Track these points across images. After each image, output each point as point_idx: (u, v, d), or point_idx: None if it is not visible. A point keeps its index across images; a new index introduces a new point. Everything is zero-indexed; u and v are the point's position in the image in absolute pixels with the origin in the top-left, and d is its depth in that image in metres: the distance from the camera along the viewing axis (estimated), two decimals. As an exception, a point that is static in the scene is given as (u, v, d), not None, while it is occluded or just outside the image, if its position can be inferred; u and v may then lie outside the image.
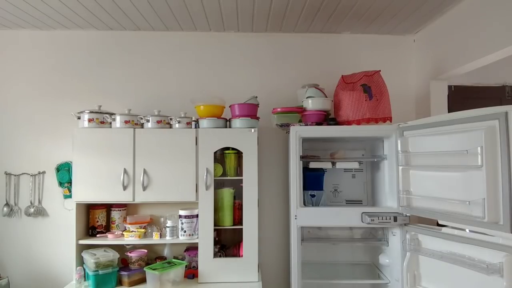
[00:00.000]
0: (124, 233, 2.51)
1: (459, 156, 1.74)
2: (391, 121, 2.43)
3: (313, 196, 2.54)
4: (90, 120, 2.44)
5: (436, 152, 1.90)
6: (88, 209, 2.59)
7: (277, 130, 2.63)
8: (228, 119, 2.56)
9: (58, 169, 2.76)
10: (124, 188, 2.41)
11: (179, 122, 2.49)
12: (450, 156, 1.81)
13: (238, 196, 2.55)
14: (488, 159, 1.59)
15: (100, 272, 2.31)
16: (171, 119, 2.50)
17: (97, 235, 2.55)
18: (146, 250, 2.53)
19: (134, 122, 2.48)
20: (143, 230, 2.53)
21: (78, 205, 2.46)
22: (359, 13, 2.55)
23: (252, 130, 2.46)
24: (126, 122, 2.45)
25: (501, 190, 1.55)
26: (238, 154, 2.53)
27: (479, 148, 1.62)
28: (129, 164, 2.42)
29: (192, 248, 2.59)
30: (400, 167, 2.19)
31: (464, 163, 1.71)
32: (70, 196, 2.68)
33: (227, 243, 2.64)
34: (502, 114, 1.55)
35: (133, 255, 2.46)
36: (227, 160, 2.55)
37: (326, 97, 2.54)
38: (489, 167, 1.59)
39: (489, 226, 1.60)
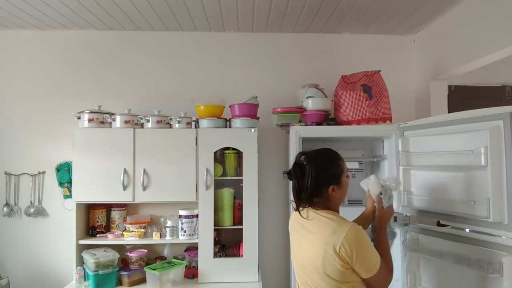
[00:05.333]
0: (124, 233, 2.51)
1: (463, 156, 1.73)
2: (391, 121, 2.43)
3: (313, 196, 2.54)
4: (90, 120, 2.44)
5: (439, 152, 1.90)
6: (88, 209, 2.59)
7: (277, 130, 2.63)
8: (228, 119, 2.56)
9: (58, 169, 2.76)
10: (124, 188, 2.41)
11: (179, 122, 2.49)
12: (453, 156, 1.80)
13: (238, 196, 2.54)
14: (493, 159, 1.59)
15: (100, 272, 2.31)
16: (171, 119, 2.50)
17: (97, 235, 2.55)
18: (146, 250, 2.53)
19: (134, 122, 2.47)
20: (143, 230, 2.53)
21: (78, 205, 2.45)
22: (359, 13, 2.55)
23: (252, 130, 2.46)
24: (126, 122, 2.45)
25: (506, 190, 1.55)
26: (238, 154, 2.53)
27: (483, 148, 1.62)
28: (129, 164, 2.42)
29: (192, 248, 2.59)
30: (401, 167, 2.19)
31: (468, 163, 1.71)
32: (70, 196, 2.67)
33: (227, 243, 2.64)
34: (506, 115, 1.55)
35: (133, 255, 2.46)
36: (227, 160, 2.55)
37: (326, 97, 2.54)
38: (494, 167, 1.59)
39: (493, 226, 1.60)
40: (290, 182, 2.31)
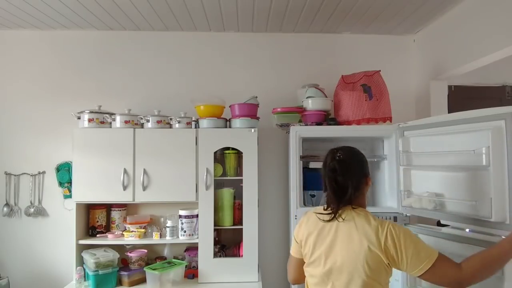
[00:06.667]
0: (124, 233, 2.51)
1: (464, 156, 1.73)
2: (391, 121, 2.43)
3: (313, 196, 2.54)
4: (90, 120, 2.44)
5: (440, 152, 1.90)
6: (88, 209, 2.59)
7: (277, 130, 2.63)
8: (228, 119, 2.56)
9: (58, 169, 2.76)
10: (124, 188, 2.41)
11: (179, 122, 2.49)
12: (454, 156, 1.80)
13: (238, 196, 2.54)
14: (495, 159, 1.58)
15: (100, 272, 2.31)
16: (171, 119, 2.50)
17: (97, 235, 2.55)
18: (146, 250, 2.53)
19: (134, 122, 2.47)
20: (143, 230, 2.53)
21: (78, 205, 2.45)
22: (359, 13, 2.55)
23: (252, 130, 2.46)
24: (126, 122, 2.45)
25: (508, 190, 1.54)
26: (238, 154, 2.53)
27: (484, 149, 1.61)
28: (129, 164, 2.42)
29: (192, 248, 2.59)
30: (402, 167, 2.19)
31: (470, 163, 1.71)
32: (70, 196, 2.68)
33: (227, 243, 2.64)
34: (508, 115, 1.54)
35: (133, 255, 2.46)
36: (227, 160, 2.55)
37: (326, 97, 2.54)
38: (495, 167, 1.58)
39: (495, 226, 1.60)
40: (291, 182, 2.34)
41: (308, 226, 1.47)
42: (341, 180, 1.38)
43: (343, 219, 1.37)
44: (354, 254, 1.30)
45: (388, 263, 1.28)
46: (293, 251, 1.56)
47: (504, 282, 1.51)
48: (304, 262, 1.48)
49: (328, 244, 1.37)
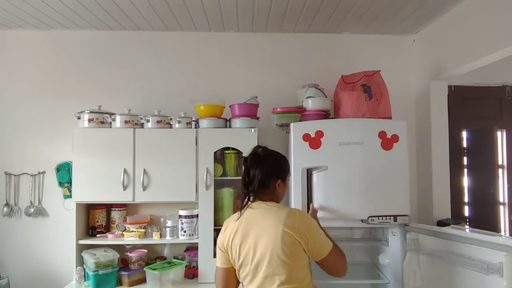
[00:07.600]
0: (124, 233, 2.51)
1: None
2: (391, 121, 2.43)
3: (313, 196, 2.54)
4: (90, 120, 2.44)
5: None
6: (88, 209, 2.59)
7: (277, 130, 2.63)
8: (228, 119, 2.56)
9: (58, 169, 2.76)
10: (124, 188, 2.41)
11: (179, 122, 2.49)
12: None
13: (238, 196, 2.54)
14: None
15: (100, 272, 2.31)
16: (171, 119, 2.50)
17: (97, 235, 2.55)
18: (146, 250, 2.53)
19: (134, 122, 2.48)
20: (143, 230, 2.53)
21: (78, 205, 2.46)
22: (359, 13, 2.55)
23: (252, 130, 2.46)
24: (126, 122, 2.45)
25: None
26: (238, 154, 2.53)
27: None
28: (129, 164, 2.42)
29: (192, 248, 2.59)
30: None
31: None
32: (70, 196, 2.67)
33: (227, 243, 2.64)
34: None
35: (133, 255, 2.46)
36: (227, 160, 2.55)
37: (326, 97, 2.54)
38: None
39: None
40: (291, 182, 2.33)
41: (230, 230, 1.50)
42: (251, 171, 1.52)
43: (255, 208, 1.47)
44: (272, 239, 1.37)
45: (300, 243, 1.37)
46: (220, 262, 1.54)
47: (504, 282, 1.51)
48: (234, 270, 1.50)
49: (252, 238, 1.43)
